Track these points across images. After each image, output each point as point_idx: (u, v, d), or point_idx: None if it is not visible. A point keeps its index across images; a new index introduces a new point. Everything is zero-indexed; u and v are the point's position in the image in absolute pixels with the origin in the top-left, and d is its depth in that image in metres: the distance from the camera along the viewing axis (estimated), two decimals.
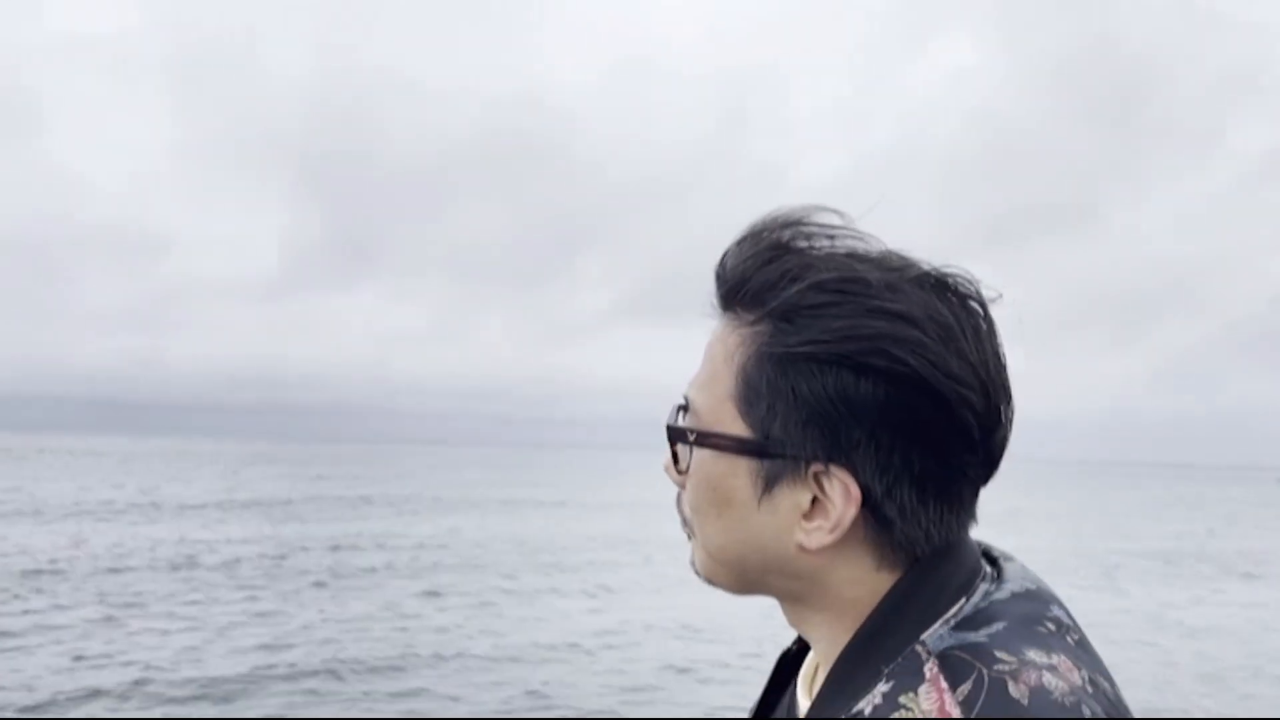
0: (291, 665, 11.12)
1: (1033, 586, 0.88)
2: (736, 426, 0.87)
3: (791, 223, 0.89)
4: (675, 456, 0.93)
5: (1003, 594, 0.85)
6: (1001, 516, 36.34)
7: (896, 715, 0.76)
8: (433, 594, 16.83)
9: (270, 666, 10.99)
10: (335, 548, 23.33)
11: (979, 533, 0.93)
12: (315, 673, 10.85)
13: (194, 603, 15.24)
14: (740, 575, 0.91)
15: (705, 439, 0.89)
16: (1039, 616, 0.84)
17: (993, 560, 0.91)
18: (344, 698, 9.95)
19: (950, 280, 0.87)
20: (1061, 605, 0.87)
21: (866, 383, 0.82)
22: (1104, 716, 0.77)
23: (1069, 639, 0.84)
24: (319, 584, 17.67)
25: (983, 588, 0.85)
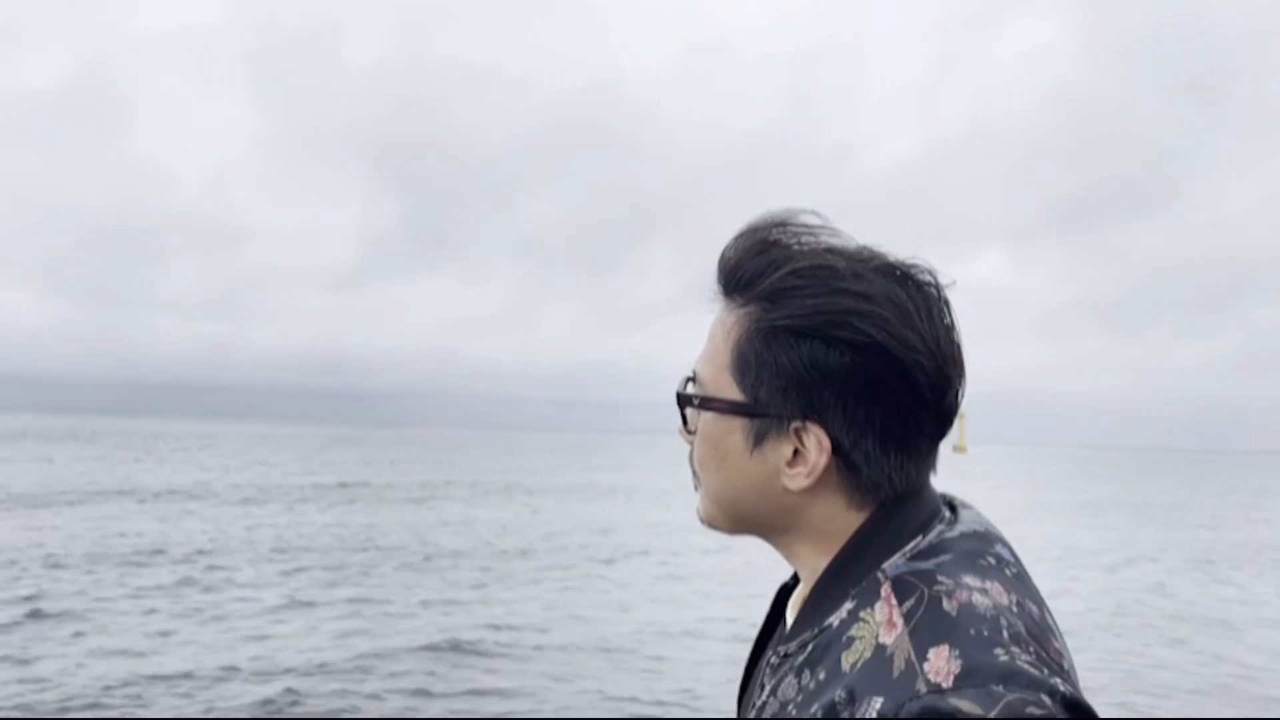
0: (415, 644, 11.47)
1: (981, 529, 1.07)
2: (732, 392, 1.08)
3: (779, 222, 1.09)
4: (684, 419, 1.14)
5: (953, 533, 1.04)
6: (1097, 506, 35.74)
7: (856, 625, 0.98)
8: (515, 579, 17.05)
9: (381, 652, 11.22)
10: (427, 528, 23.80)
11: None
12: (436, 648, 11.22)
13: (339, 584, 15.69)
14: (736, 516, 1.12)
15: (707, 403, 1.10)
16: (982, 552, 1.03)
17: (952, 507, 1.10)
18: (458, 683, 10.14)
19: (909, 269, 1.06)
20: (1006, 545, 1.06)
21: (834, 352, 1.02)
22: (1021, 630, 0.94)
23: (1006, 571, 1.02)
24: (416, 567, 17.97)
25: (938, 528, 1.05)
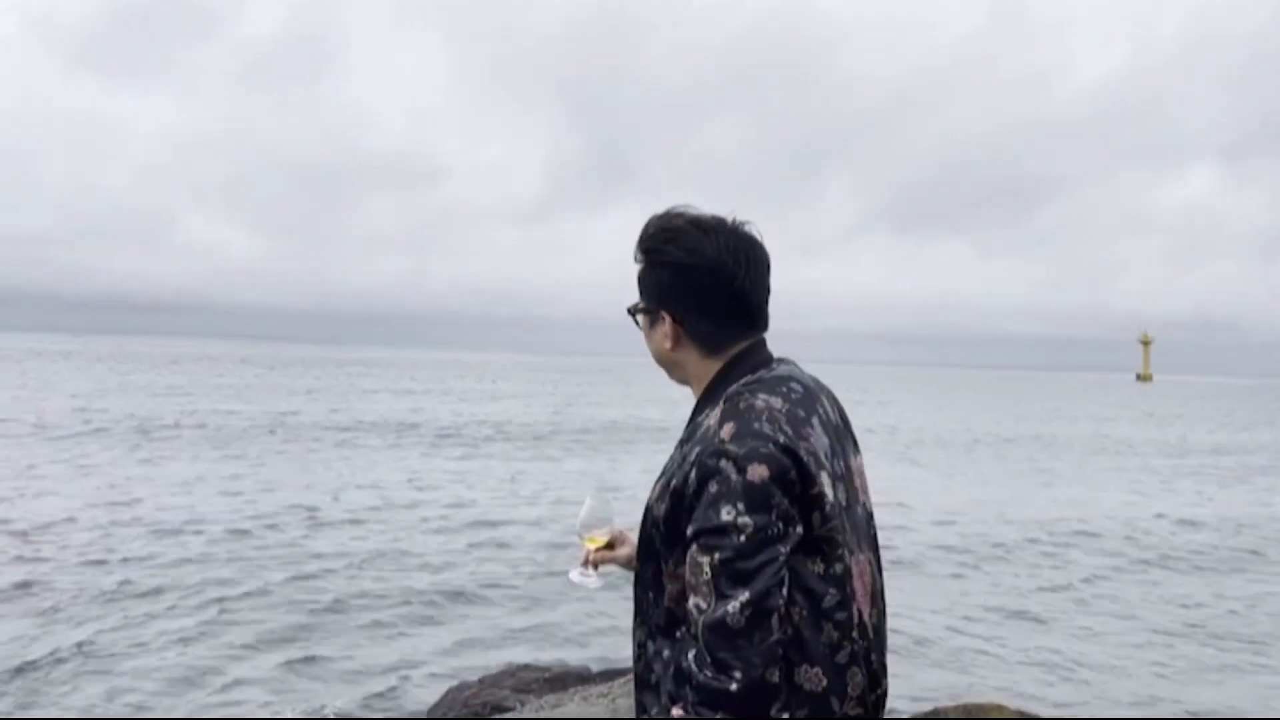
0: None
1: (785, 374, 1.79)
2: (644, 303, 1.86)
3: (664, 212, 1.84)
4: (636, 322, 1.91)
5: (770, 375, 1.77)
6: None
7: (706, 420, 1.71)
8: None
9: None
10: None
11: None
12: None
13: None
14: (665, 368, 1.90)
15: (633, 310, 1.89)
16: (781, 382, 1.75)
17: (781, 361, 1.85)
18: None
19: (720, 220, 1.81)
20: (800, 382, 1.78)
21: (664, 270, 1.80)
22: (780, 420, 1.65)
23: (792, 394, 1.73)
24: None
25: (761, 371, 1.78)
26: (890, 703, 1.94)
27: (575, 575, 2.08)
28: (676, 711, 1.59)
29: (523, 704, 5.32)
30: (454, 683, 6.35)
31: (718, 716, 1.53)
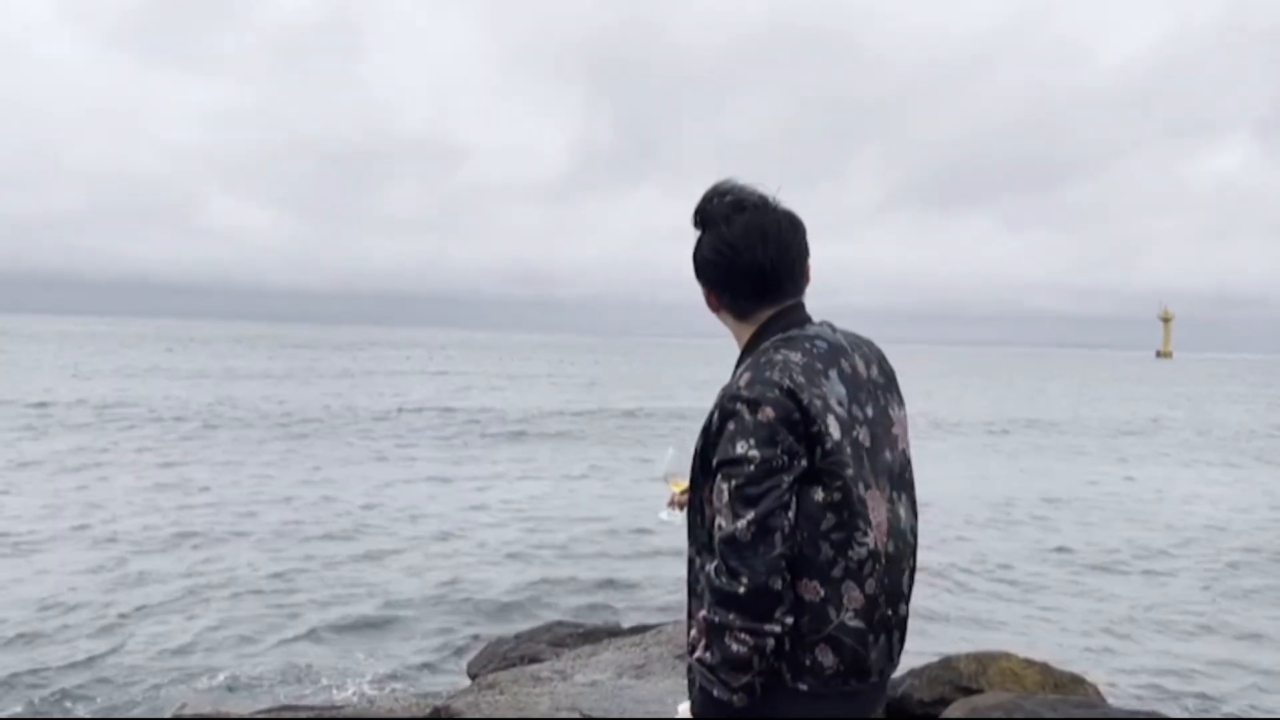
0: None
1: (813, 334, 2.03)
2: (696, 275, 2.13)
3: (713, 187, 2.10)
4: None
5: (799, 334, 2.01)
6: None
7: (740, 372, 1.98)
8: None
9: None
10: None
11: None
12: None
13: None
14: (729, 329, 2.15)
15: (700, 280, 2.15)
16: (807, 339, 1.99)
17: (811, 322, 2.09)
18: None
19: (763, 199, 2.07)
20: (826, 340, 2.03)
21: (700, 247, 2.07)
22: (795, 371, 1.90)
23: (814, 349, 1.97)
24: None
25: (793, 331, 2.02)
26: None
27: (664, 514, 2.43)
28: (703, 613, 1.90)
29: (558, 656, 5.65)
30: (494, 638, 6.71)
31: (729, 616, 1.84)
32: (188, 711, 4.33)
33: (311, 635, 7.77)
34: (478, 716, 4.22)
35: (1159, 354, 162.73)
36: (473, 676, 5.97)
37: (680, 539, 2.23)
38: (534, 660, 5.70)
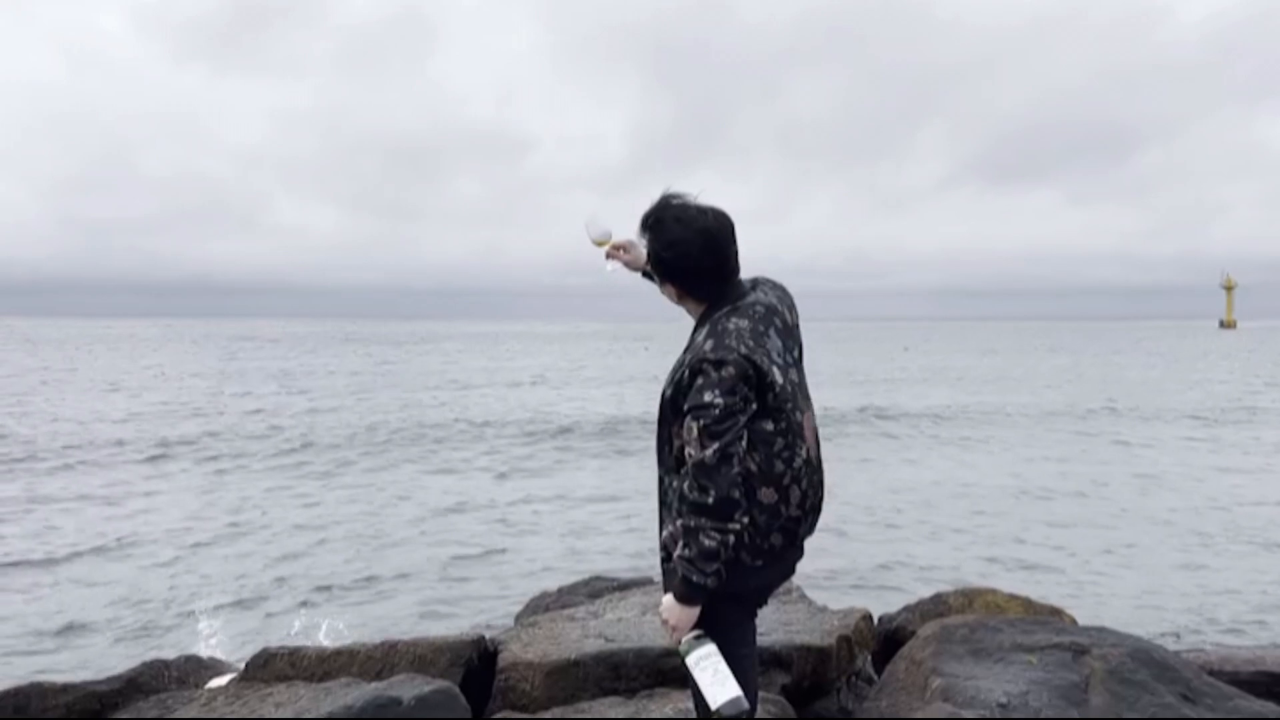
0: None
1: (753, 300, 2.78)
2: (652, 270, 2.90)
3: (658, 202, 2.79)
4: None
5: (743, 302, 2.76)
6: None
7: (697, 338, 2.72)
8: None
9: None
10: None
11: None
12: None
13: None
14: (677, 304, 2.88)
15: (656, 279, 2.93)
16: (750, 307, 2.75)
17: (754, 287, 2.85)
18: None
19: (698, 209, 2.76)
20: (764, 304, 2.79)
21: (658, 249, 2.77)
22: (745, 337, 2.66)
23: (755, 315, 2.73)
24: None
25: (738, 301, 2.77)
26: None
27: (609, 268, 3.15)
28: (680, 520, 2.59)
29: (593, 603, 6.31)
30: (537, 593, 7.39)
31: (702, 520, 2.56)
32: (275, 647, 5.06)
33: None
34: (515, 645, 4.90)
35: (1222, 324, 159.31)
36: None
37: None
38: (566, 605, 6.37)
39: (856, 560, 10.40)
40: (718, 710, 2.63)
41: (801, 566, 2.93)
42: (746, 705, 2.66)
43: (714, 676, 2.65)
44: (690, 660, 2.68)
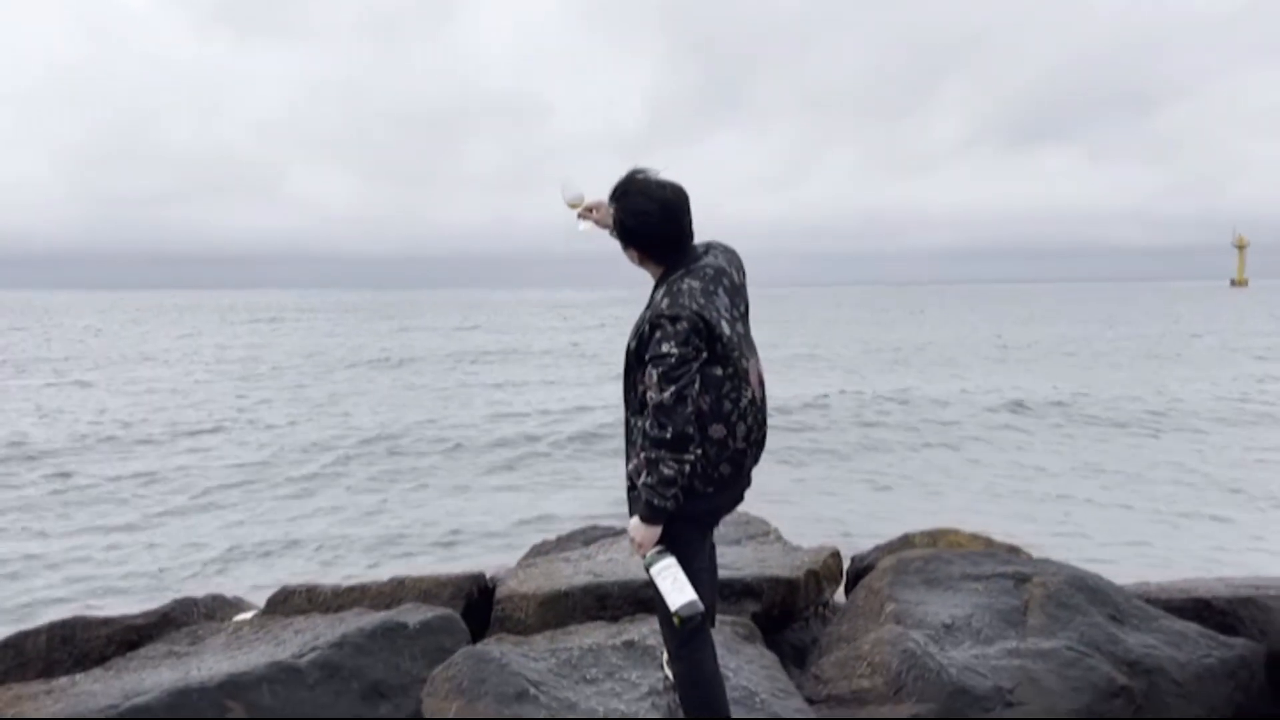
0: None
1: (704, 263, 3.25)
2: (618, 237, 3.34)
3: (626, 176, 3.29)
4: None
5: (696, 265, 3.24)
6: None
7: (656, 296, 3.21)
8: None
9: None
10: None
11: None
12: None
13: None
14: (639, 266, 3.36)
15: (621, 243, 3.37)
16: (701, 269, 3.22)
17: (707, 251, 3.33)
18: None
19: (656, 183, 3.25)
20: (715, 266, 3.25)
21: (625, 219, 3.25)
22: (697, 295, 3.12)
23: (706, 275, 3.20)
24: None
25: (693, 264, 3.24)
26: None
27: (582, 227, 3.53)
28: (643, 454, 3.04)
29: (587, 546, 6.78)
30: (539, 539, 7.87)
31: (661, 452, 3.02)
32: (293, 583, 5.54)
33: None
34: (512, 581, 5.37)
35: (1233, 282, 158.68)
36: None
37: None
38: (564, 551, 6.83)
39: None
40: (676, 611, 3.10)
41: None
42: (701, 608, 3.12)
43: (673, 584, 3.11)
44: (654, 571, 3.14)
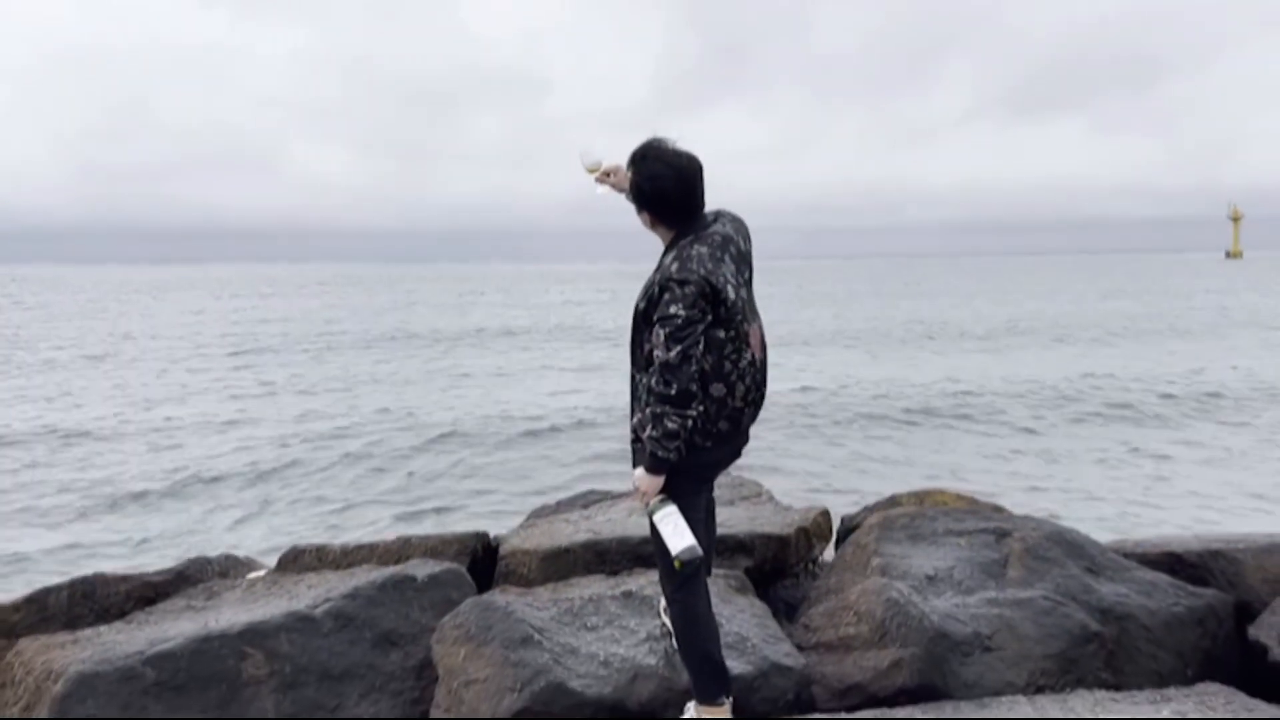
0: None
1: (712, 230, 3.42)
2: (633, 201, 3.52)
3: (645, 142, 3.49)
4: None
5: (705, 232, 3.42)
6: None
7: (665, 260, 3.39)
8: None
9: None
10: None
11: None
12: None
13: None
14: (651, 230, 3.54)
15: (635, 206, 3.55)
16: (710, 235, 3.39)
17: (716, 219, 3.50)
18: None
19: (672, 151, 3.43)
20: (724, 233, 3.42)
21: (641, 183, 3.43)
22: (706, 260, 3.29)
23: (714, 242, 3.36)
24: None
25: (700, 231, 3.41)
26: None
27: (600, 191, 3.73)
28: (649, 408, 3.24)
29: (586, 508, 7.00)
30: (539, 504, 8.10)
31: (666, 408, 3.21)
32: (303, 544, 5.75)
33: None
34: (515, 539, 5.59)
35: (1228, 254, 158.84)
36: None
37: None
38: (563, 514, 7.05)
39: None
40: (677, 555, 3.31)
41: None
42: (700, 553, 3.33)
43: (674, 530, 3.33)
44: (656, 517, 3.36)
